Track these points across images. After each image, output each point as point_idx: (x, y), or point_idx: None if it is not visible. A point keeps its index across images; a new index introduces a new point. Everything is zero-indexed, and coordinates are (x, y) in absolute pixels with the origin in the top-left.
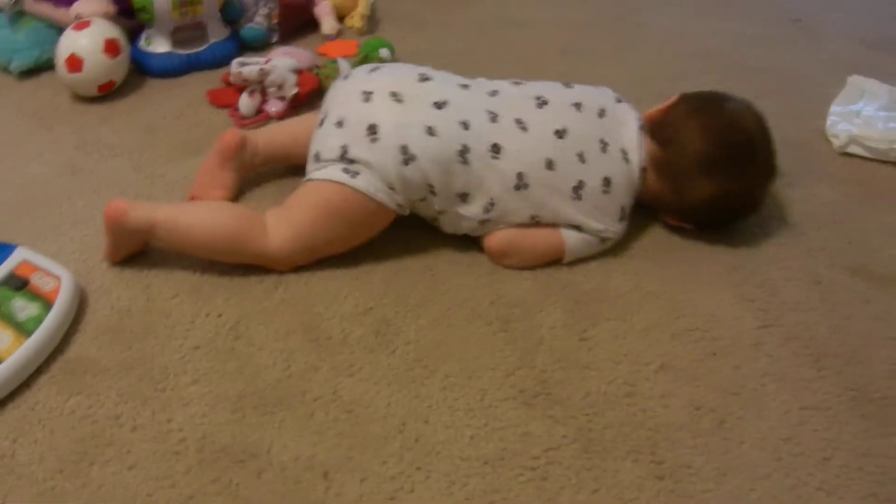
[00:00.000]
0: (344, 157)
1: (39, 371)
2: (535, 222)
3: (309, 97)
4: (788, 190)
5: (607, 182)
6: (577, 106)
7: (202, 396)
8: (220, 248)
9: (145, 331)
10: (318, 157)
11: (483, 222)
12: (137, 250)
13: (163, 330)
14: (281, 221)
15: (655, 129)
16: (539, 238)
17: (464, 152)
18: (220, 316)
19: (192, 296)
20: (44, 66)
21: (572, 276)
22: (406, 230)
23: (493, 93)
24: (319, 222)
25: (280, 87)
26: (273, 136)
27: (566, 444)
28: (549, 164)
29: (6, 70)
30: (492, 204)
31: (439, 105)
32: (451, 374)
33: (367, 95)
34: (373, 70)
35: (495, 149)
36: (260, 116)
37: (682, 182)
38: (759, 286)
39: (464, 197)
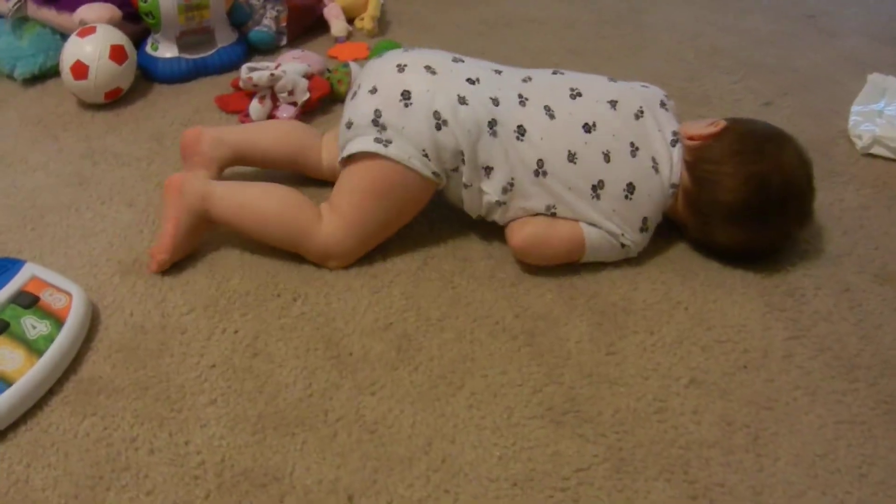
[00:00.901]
0: (376, 123)
1: (52, 391)
2: (551, 213)
3: (320, 102)
4: None
5: (631, 188)
6: (613, 104)
7: (220, 417)
8: (277, 236)
9: (160, 348)
10: (349, 125)
11: (501, 204)
12: (195, 240)
13: (178, 347)
14: (331, 214)
15: (692, 161)
16: (562, 231)
17: (493, 124)
18: (236, 332)
19: (208, 311)
20: (48, 73)
21: (598, 286)
22: (425, 242)
23: (527, 79)
24: (365, 203)
25: (291, 92)
26: (243, 128)
27: (597, 464)
28: (572, 157)
29: (10, 77)
30: (511, 184)
31: (471, 81)
32: (476, 391)
33: (402, 67)
34: (405, 51)
35: (520, 130)
36: None
37: (710, 224)
38: (788, 295)
39: (487, 171)
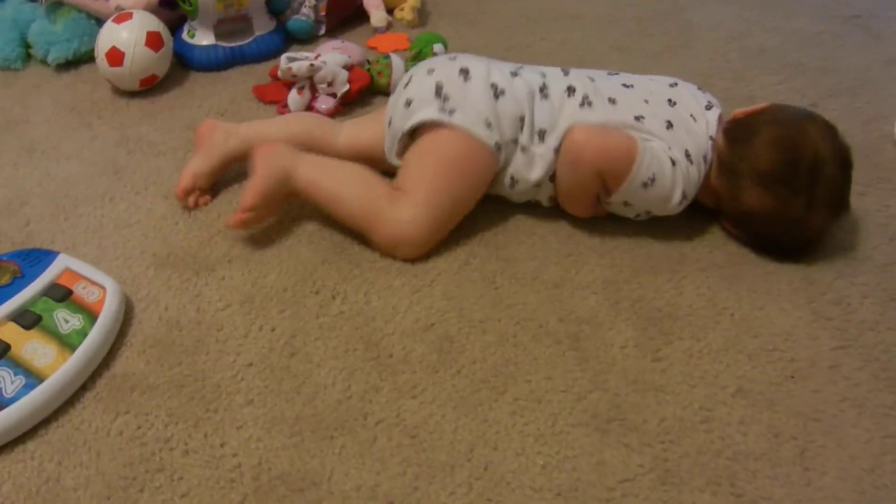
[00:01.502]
0: (438, 94)
1: (84, 387)
2: None
3: (360, 94)
4: (859, 199)
5: (669, 124)
6: (650, 79)
7: (257, 419)
8: (351, 214)
9: (196, 345)
10: (408, 103)
11: (557, 149)
12: (273, 207)
13: (214, 344)
14: (401, 196)
15: (731, 127)
16: (619, 134)
17: (544, 88)
18: (273, 330)
19: (245, 307)
20: (82, 59)
21: (642, 291)
22: (467, 241)
23: (566, 72)
24: (436, 179)
25: (330, 83)
26: (257, 123)
27: (642, 475)
28: (612, 101)
29: (44, 62)
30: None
31: (515, 71)
32: (519, 396)
33: (453, 57)
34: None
35: (570, 89)
36: None
37: (738, 185)
38: (835, 303)
39: (541, 134)
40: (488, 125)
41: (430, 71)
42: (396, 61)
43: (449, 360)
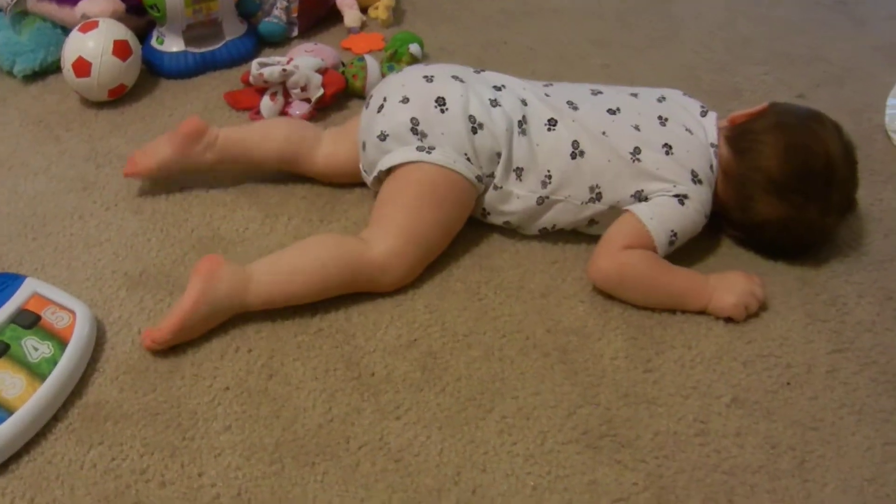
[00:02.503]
0: (415, 131)
1: (56, 418)
2: (595, 195)
3: (335, 98)
4: None
5: (668, 147)
6: (634, 94)
7: (235, 446)
8: (334, 284)
9: (170, 370)
10: (383, 136)
11: (541, 200)
12: (207, 328)
13: (189, 368)
14: (377, 229)
15: (734, 135)
16: (620, 232)
17: (522, 123)
18: (250, 351)
19: (220, 327)
20: (49, 69)
21: None
22: (449, 250)
23: (548, 84)
24: (418, 212)
25: (304, 88)
26: (236, 130)
27: (636, 493)
28: (603, 134)
29: (10, 74)
30: (549, 176)
31: (497, 88)
32: (507, 413)
33: (429, 78)
34: (425, 66)
35: (551, 122)
36: None
37: (748, 196)
38: (830, 304)
39: (518, 172)
40: (468, 159)
41: (405, 100)
42: (371, 63)
43: (433, 378)
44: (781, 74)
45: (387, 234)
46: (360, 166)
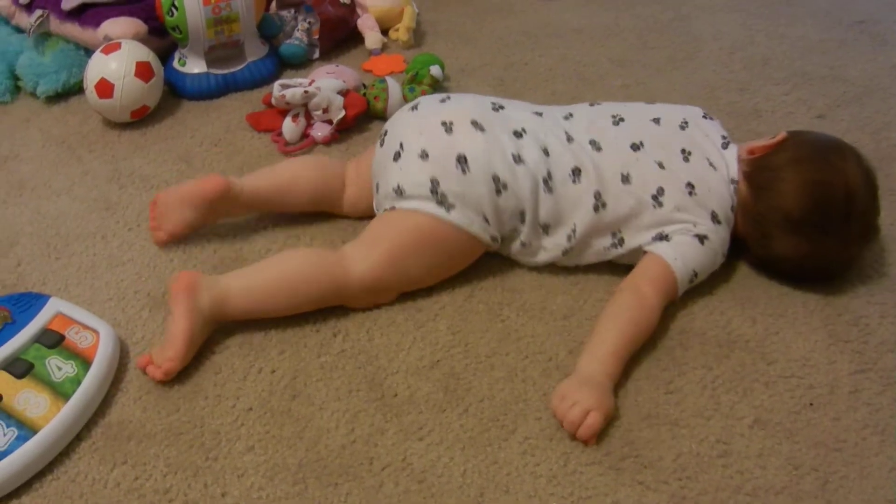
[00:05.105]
0: (435, 192)
1: (79, 437)
2: (618, 241)
3: (356, 120)
4: None
5: (691, 186)
6: (656, 120)
7: (258, 466)
8: (302, 293)
9: (193, 390)
10: (400, 191)
11: (567, 252)
12: (200, 344)
13: (212, 388)
14: (363, 248)
15: (752, 170)
16: (645, 275)
17: (548, 179)
18: (273, 372)
19: (243, 348)
20: (72, 90)
21: None
22: (471, 271)
23: (568, 116)
24: (409, 249)
25: (326, 109)
26: (262, 182)
27: None
28: (625, 179)
29: (32, 95)
30: (574, 231)
31: (518, 134)
32: (530, 435)
33: (448, 126)
34: (442, 101)
35: (575, 172)
36: (305, 142)
37: (768, 234)
38: (853, 324)
39: (546, 228)
40: (486, 220)
41: (424, 155)
42: (393, 85)
43: (456, 399)
44: (801, 94)
45: (370, 258)
46: (374, 204)
